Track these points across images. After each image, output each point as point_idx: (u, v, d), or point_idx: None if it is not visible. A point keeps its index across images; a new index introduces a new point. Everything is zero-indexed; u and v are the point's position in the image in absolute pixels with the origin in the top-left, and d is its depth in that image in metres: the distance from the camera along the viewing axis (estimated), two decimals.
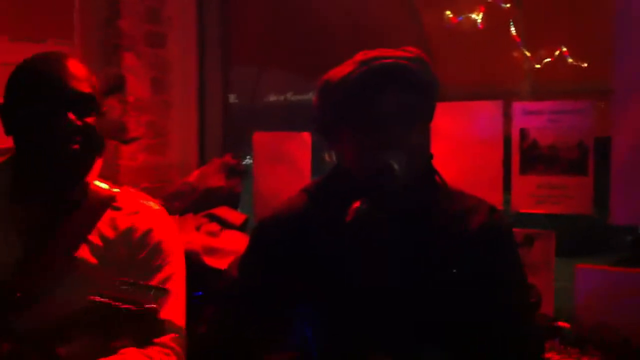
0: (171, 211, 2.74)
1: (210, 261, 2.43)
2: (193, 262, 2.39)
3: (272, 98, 3.62)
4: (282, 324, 1.56)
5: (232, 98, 3.51)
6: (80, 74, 1.63)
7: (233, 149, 3.19)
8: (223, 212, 2.72)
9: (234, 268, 1.67)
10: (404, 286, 1.48)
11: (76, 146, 1.59)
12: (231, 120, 3.40)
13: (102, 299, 1.31)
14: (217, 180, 2.86)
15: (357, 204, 1.44)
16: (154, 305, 1.30)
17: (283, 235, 1.58)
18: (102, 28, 3.05)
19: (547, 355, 2.06)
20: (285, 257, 1.55)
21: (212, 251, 2.46)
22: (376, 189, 1.46)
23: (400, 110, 1.47)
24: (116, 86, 2.99)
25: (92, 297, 1.32)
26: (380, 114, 1.46)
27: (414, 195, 1.51)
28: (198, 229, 2.61)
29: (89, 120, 1.62)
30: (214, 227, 2.62)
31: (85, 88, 1.62)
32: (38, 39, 2.72)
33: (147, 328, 1.31)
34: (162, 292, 1.34)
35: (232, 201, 2.89)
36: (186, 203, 2.80)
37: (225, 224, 2.65)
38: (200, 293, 2.34)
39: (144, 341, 1.37)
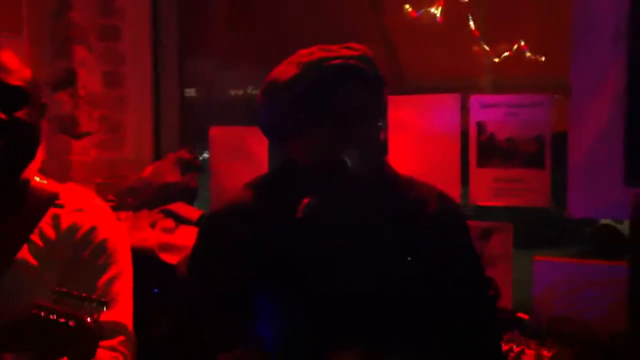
0: (125, 207, 2.70)
1: (167, 257, 2.39)
2: (148, 259, 2.35)
3: (231, 92, 3.57)
4: (236, 320, 1.53)
5: (190, 92, 3.45)
6: (9, 65, 1.54)
7: (190, 144, 3.13)
8: (179, 207, 2.67)
9: (182, 265, 1.63)
10: (358, 280, 1.46)
11: (1, 142, 1.51)
12: (188, 115, 3.35)
13: (37, 311, 1.23)
14: (172, 176, 2.81)
15: (306, 200, 1.42)
16: (92, 320, 1.23)
17: (231, 227, 1.55)
18: (53, 20, 2.97)
19: (507, 346, 2.06)
20: (235, 249, 1.52)
21: (167, 247, 2.42)
22: (328, 184, 1.46)
23: (351, 109, 1.47)
24: (66, 80, 2.91)
25: (33, 309, 1.24)
26: (330, 114, 1.46)
27: (366, 189, 1.50)
28: (153, 225, 2.56)
29: (18, 114, 1.54)
30: (170, 223, 2.57)
31: (14, 80, 1.54)
32: None
33: (85, 344, 1.24)
34: (101, 305, 1.28)
35: (189, 197, 2.85)
36: (140, 199, 2.74)
37: (181, 220, 2.60)
38: (157, 290, 2.29)
39: (80, 357, 1.31)
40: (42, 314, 1.23)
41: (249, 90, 3.56)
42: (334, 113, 1.45)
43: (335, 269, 1.47)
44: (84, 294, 1.26)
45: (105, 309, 1.25)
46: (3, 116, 1.50)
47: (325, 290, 1.46)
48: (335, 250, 1.47)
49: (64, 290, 1.27)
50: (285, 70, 1.49)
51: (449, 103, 2.51)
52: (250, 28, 3.45)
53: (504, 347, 2.02)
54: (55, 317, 1.22)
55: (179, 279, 1.67)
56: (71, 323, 1.21)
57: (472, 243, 1.60)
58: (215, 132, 2.98)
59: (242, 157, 2.86)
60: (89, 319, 1.21)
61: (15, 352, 1.30)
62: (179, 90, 3.34)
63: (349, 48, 1.50)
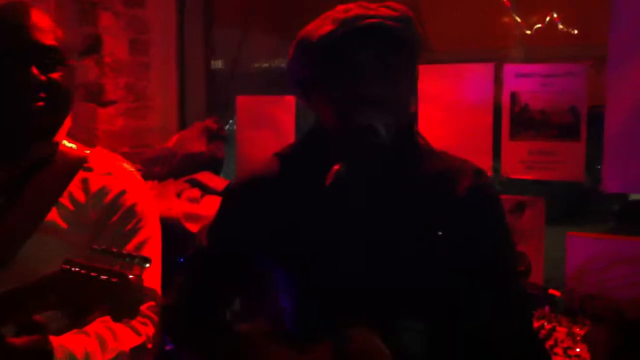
0: (151, 176, 2.69)
1: (192, 227, 2.38)
2: (174, 228, 2.34)
3: (257, 62, 3.53)
4: (254, 291, 1.52)
5: (215, 61, 3.41)
6: (44, 25, 1.54)
7: (216, 113, 3.10)
8: (205, 177, 2.66)
9: (202, 233, 1.60)
10: (386, 252, 1.43)
11: (41, 103, 1.51)
12: (214, 84, 3.32)
13: (77, 268, 1.22)
14: (198, 145, 2.79)
15: (336, 168, 1.39)
16: (135, 276, 1.21)
17: (253, 197, 1.52)
18: None
19: (538, 323, 2.02)
20: (255, 220, 1.49)
21: (193, 217, 2.41)
22: (357, 150, 1.41)
23: (384, 71, 1.42)
24: (92, 47, 2.89)
25: (65, 266, 1.24)
26: (362, 74, 1.41)
27: (396, 156, 1.46)
28: (179, 195, 2.55)
29: (54, 75, 1.53)
30: (195, 192, 2.56)
31: (50, 40, 1.53)
32: None
33: (127, 301, 1.22)
34: (144, 261, 1.25)
35: (215, 166, 2.83)
36: (166, 168, 2.73)
37: (207, 190, 2.59)
38: (182, 260, 2.28)
39: (124, 314, 1.29)
40: (82, 271, 1.21)
41: (275, 61, 3.51)
42: (363, 72, 1.40)
43: (361, 240, 1.44)
44: (124, 251, 1.25)
45: (147, 265, 1.23)
46: (43, 78, 1.49)
47: (349, 261, 1.43)
48: (362, 221, 1.44)
49: (103, 247, 1.26)
50: (320, 24, 1.44)
51: (482, 72, 2.44)
52: None
53: (535, 324, 1.98)
54: (95, 274, 1.20)
55: (198, 247, 1.64)
56: (114, 279, 1.19)
57: (505, 222, 1.55)
58: (241, 101, 2.95)
59: (268, 126, 2.83)
60: (132, 276, 1.20)
61: (49, 309, 1.29)
62: (205, 59, 3.30)
63: (388, 7, 1.44)
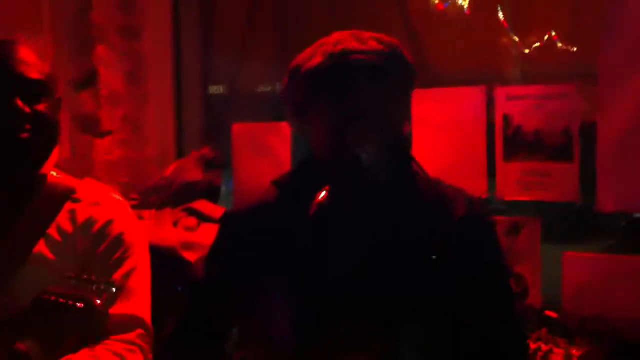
0: (148, 206, 2.70)
1: (189, 256, 2.38)
2: (171, 257, 2.34)
3: (254, 89, 3.55)
4: (253, 316, 1.52)
5: (212, 89, 3.44)
6: (28, 59, 1.56)
7: (213, 141, 3.12)
8: (201, 205, 2.67)
9: (200, 263, 1.61)
10: (376, 281, 1.43)
11: (25, 134, 1.52)
12: (211, 112, 3.34)
13: (47, 296, 1.26)
14: (195, 174, 2.81)
15: (319, 198, 1.40)
16: (101, 302, 1.24)
17: (251, 227, 1.53)
18: (74, 21, 2.98)
19: (535, 345, 2.02)
20: (252, 248, 1.51)
21: (190, 246, 2.42)
22: (342, 178, 1.43)
23: (369, 101, 1.43)
24: (88, 80, 2.92)
25: (38, 294, 1.28)
26: (348, 105, 1.43)
27: (385, 186, 1.47)
28: (176, 224, 2.56)
29: (39, 107, 1.55)
30: (192, 221, 2.57)
31: (34, 74, 1.55)
32: (6, 32, 2.64)
33: (95, 325, 1.26)
34: (110, 285, 1.28)
35: (212, 195, 2.84)
36: (164, 197, 2.74)
37: (203, 218, 2.60)
38: (180, 288, 2.28)
39: (92, 339, 1.31)
40: (52, 298, 1.25)
41: (271, 87, 3.53)
42: (349, 102, 1.42)
43: (350, 267, 1.44)
44: (92, 277, 1.27)
45: (114, 290, 1.26)
46: (27, 110, 1.51)
47: (338, 292, 1.43)
48: (348, 251, 1.44)
49: (73, 275, 1.29)
50: (312, 54, 1.46)
51: (474, 96, 2.46)
52: (272, 24, 3.42)
53: (532, 347, 1.98)
54: (64, 300, 1.24)
55: (195, 277, 1.65)
56: (79, 305, 1.23)
57: (499, 250, 1.55)
58: (237, 128, 2.97)
59: (264, 153, 2.84)
60: (98, 300, 1.23)
61: (28, 338, 1.30)
62: (201, 88, 3.33)
63: (378, 41, 1.46)
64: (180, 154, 3.20)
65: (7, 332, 1.34)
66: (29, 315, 1.28)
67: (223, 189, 2.94)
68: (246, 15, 3.39)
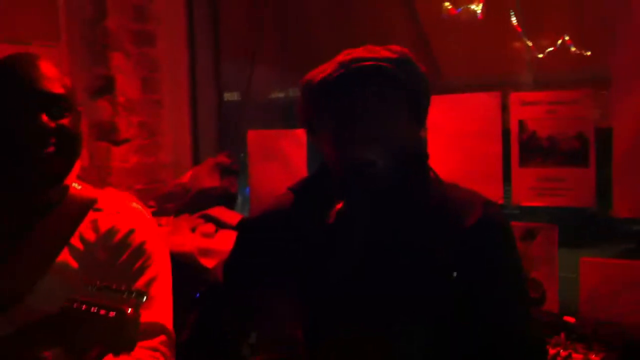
0: (165, 212, 2.72)
1: (206, 262, 2.40)
2: (188, 264, 2.36)
3: (269, 94, 3.57)
4: (269, 322, 1.53)
5: (227, 96, 3.45)
6: (51, 74, 1.58)
7: (228, 147, 3.14)
8: (219, 212, 2.68)
9: (219, 269, 1.63)
10: (394, 284, 1.44)
11: (51, 149, 1.54)
12: (226, 119, 3.35)
13: (77, 305, 1.26)
14: (211, 181, 2.82)
15: (339, 206, 1.41)
16: (133, 311, 1.25)
17: (268, 234, 1.56)
18: (89, 28, 2.99)
19: (553, 350, 2.02)
20: (271, 256, 1.53)
21: (207, 252, 2.43)
22: (356, 185, 1.44)
23: (377, 111, 1.44)
24: (105, 87, 2.94)
25: (67, 303, 1.28)
26: (360, 113, 1.44)
27: (404, 189, 1.48)
28: (193, 230, 2.57)
29: (64, 122, 1.57)
30: (210, 227, 2.58)
31: (57, 89, 1.57)
32: (23, 41, 2.67)
33: (126, 335, 1.26)
34: (141, 295, 1.29)
35: (228, 201, 2.85)
36: (180, 204, 2.76)
37: (221, 224, 2.61)
38: (198, 295, 2.30)
39: (121, 348, 1.32)
40: (83, 307, 1.25)
41: (286, 93, 3.55)
42: (361, 111, 1.44)
43: (366, 275, 1.45)
44: (123, 287, 1.28)
45: (145, 299, 1.27)
46: (52, 125, 1.53)
47: (354, 296, 1.45)
48: (367, 257, 1.46)
49: (104, 284, 1.29)
50: (323, 69, 1.49)
51: (489, 101, 2.46)
52: (286, 30, 3.44)
53: (551, 352, 1.98)
54: (95, 309, 1.24)
55: (213, 283, 1.67)
56: (111, 314, 1.23)
57: (516, 255, 1.55)
58: (252, 135, 2.98)
59: (280, 160, 2.85)
60: (129, 310, 1.23)
61: (54, 346, 1.32)
62: (216, 94, 3.35)
63: (389, 50, 1.48)
64: (196, 160, 3.22)
65: (29, 339, 1.35)
66: (56, 323, 1.29)
67: (239, 195, 2.96)
68: (260, 21, 3.41)
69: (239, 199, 2.97)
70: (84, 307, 1.25)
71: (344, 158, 1.45)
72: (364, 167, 1.42)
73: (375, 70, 1.44)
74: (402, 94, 1.48)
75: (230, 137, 3.28)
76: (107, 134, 2.98)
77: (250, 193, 2.96)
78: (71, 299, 1.28)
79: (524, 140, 2.38)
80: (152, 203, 2.77)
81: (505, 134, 2.43)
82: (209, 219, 2.65)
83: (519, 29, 2.97)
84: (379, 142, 1.43)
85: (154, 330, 1.55)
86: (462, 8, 3.16)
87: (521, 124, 2.39)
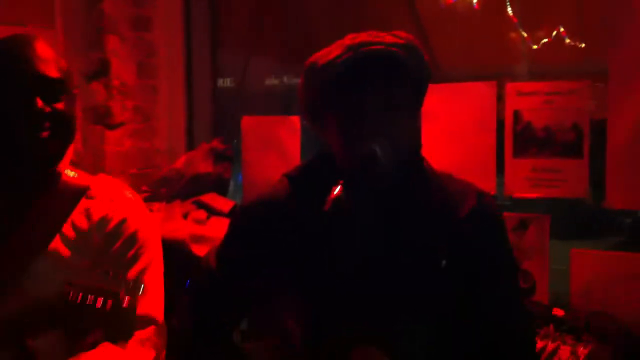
0: (158, 198, 2.71)
1: (198, 249, 2.39)
2: (180, 250, 2.36)
3: (264, 81, 3.56)
4: (263, 309, 1.53)
5: (222, 82, 3.44)
6: (47, 56, 1.56)
7: (223, 133, 3.13)
8: (211, 199, 2.67)
9: (211, 256, 1.63)
10: (389, 275, 1.44)
11: (45, 133, 1.53)
12: (220, 105, 3.35)
13: (74, 293, 1.26)
14: (205, 166, 2.81)
15: (334, 193, 1.40)
16: (130, 300, 1.25)
17: (263, 221, 1.55)
18: (85, 11, 2.97)
19: (542, 342, 2.02)
20: (265, 243, 1.52)
21: (199, 239, 2.42)
22: (359, 176, 1.43)
23: (387, 98, 1.43)
24: (99, 71, 2.92)
25: (64, 289, 1.27)
26: (365, 101, 1.42)
27: (399, 182, 1.47)
28: (185, 216, 2.57)
29: (59, 105, 1.55)
30: (201, 214, 2.58)
31: (53, 72, 1.55)
32: (18, 23, 2.65)
33: (122, 324, 1.26)
34: (138, 286, 1.29)
35: (221, 187, 2.85)
36: (173, 190, 2.75)
37: (212, 211, 2.60)
38: (188, 282, 2.30)
39: (118, 337, 1.32)
40: (79, 295, 1.25)
41: (282, 80, 3.54)
42: (365, 98, 1.42)
43: (362, 265, 1.45)
44: (119, 276, 1.28)
45: (141, 290, 1.27)
46: (47, 109, 1.52)
47: (351, 286, 1.44)
48: (363, 246, 1.45)
49: (102, 271, 1.30)
50: (328, 51, 1.46)
51: (485, 91, 2.46)
52: (282, 17, 3.42)
53: (539, 344, 1.98)
54: (92, 297, 1.24)
55: (205, 270, 1.67)
56: (109, 303, 1.24)
57: (507, 245, 1.56)
58: (247, 121, 2.97)
59: (273, 146, 2.85)
60: (126, 299, 1.25)
61: (52, 331, 1.32)
62: (211, 80, 3.34)
63: (394, 35, 1.46)
64: (191, 145, 3.21)
65: (21, 326, 1.36)
66: (54, 309, 1.29)
67: (232, 181, 2.95)
68: (256, 7, 3.39)
69: (232, 186, 2.96)
70: (80, 294, 1.25)
71: (352, 148, 1.43)
72: (371, 159, 1.40)
73: (385, 54, 1.42)
74: (408, 81, 1.46)
75: (225, 123, 3.27)
76: (102, 117, 2.97)
77: (243, 179, 2.95)
78: (69, 286, 1.27)
79: (518, 130, 2.38)
80: (144, 188, 2.77)
81: (501, 124, 2.43)
82: (200, 205, 2.64)
83: (515, 20, 2.97)
84: (388, 133, 1.41)
85: (145, 320, 1.55)
86: None
87: (516, 114, 2.39)
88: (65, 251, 1.57)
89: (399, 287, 1.44)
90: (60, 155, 1.60)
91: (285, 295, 1.52)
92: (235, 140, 3.04)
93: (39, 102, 1.52)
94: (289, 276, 1.50)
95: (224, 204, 2.65)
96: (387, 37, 1.45)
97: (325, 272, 1.46)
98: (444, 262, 1.44)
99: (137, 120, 3.09)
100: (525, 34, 3.07)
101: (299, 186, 1.55)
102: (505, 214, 2.19)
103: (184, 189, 2.75)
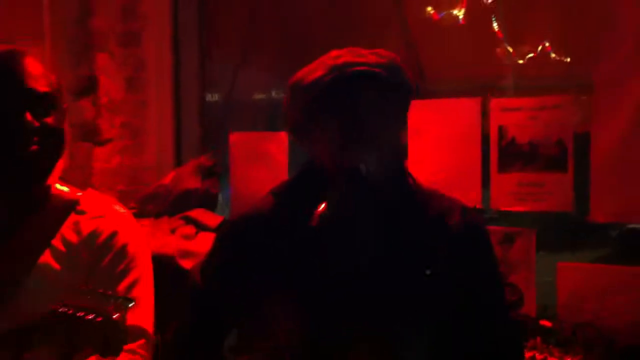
0: (146, 214, 2.72)
1: (186, 264, 2.40)
2: (168, 265, 2.36)
3: (252, 96, 3.57)
4: (252, 322, 1.53)
5: (210, 97, 3.45)
6: (37, 72, 1.57)
7: (211, 149, 3.14)
8: (199, 214, 2.68)
9: (196, 271, 1.64)
10: (374, 290, 1.46)
11: (35, 147, 1.54)
12: (209, 120, 3.35)
13: (64, 309, 1.26)
14: (193, 182, 2.82)
15: (320, 209, 1.42)
16: (119, 315, 1.25)
17: (248, 236, 1.56)
18: (74, 27, 2.99)
19: (530, 354, 2.04)
20: (250, 258, 1.53)
21: (187, 254, 2.43)
22: (345, 189, 1.45)
23: (371, 115, 1.45)
24: (87, 88, 2.93)
25: (54, 306, 1.27)
26: (350, 119, 1.45)
27: (384, 197, 1.49)
28: (173, 231, 2.57)
29: (48, 120, 1.56)
30: (190, 229, 2.58)
31: (43, 87, 1.56)
32: (6, 39, 2.66)
33: (112, 339, 1.27)
34: (127, 301, 1.29)
35: (209, 203, 2.85)
36: (161, 206, 2.76)
37: (201, 227, 2.61)
38: (177, 296, 2.30)
39: (108, 352, 1.32)
40: (69, 311, 1.25)
41: (270, 94, 3.56)
42: (351, 118, 1.44)
43: (350, 279, 1.46)
44: (109, 292, 1.28)
45: (130, 305, 1.27)
46: (36, 123, 1.53)
47: (339, 300, 1.45)
48: (350, 261, 1.47)
49: (90, 287, 1.31)
50: (312, 70, 1.49)
51: (470, 107, 2.49)
52: (271, 32, 3.44)
53: (527, 355, 2.00)
54: (82, 313, 1.24)
55: (192, 284, 1.68)
56: (98, 319, 1.23)
57: (493, 259, 1.58)
58: (234, 137, 2.98)
59: (261, 162, 2.86)
60: (115, 315, 1.24)
61: (37, 348, 1.32)
62: (199, 96, 3.34)
63: (377, 55, 1.49)
64: (179, 161, 3.21)
65: (13, 341, 1.35)
66: (41, 326, 1.29)
67: (220, 197, 2.96)
68: (245, 23, 3.41)
69: (220, 201, 2.97)
70: (71, 310, 1.25)
71: (335, 162, 1.46)
72: (356, 171, 1.43)
73: (369, 74, 1.45)
74: (393, 99, 1.49)
75: (213, 138, 3.28)
76: (90, 134, 2.98)
77: (231, 195, 2.96)
78: (59, 302, 1.27)
79: (502, 146, 2.41)
80: (132, 204, 2.77)
81: (485, 139, 2.46)
82: (189, 220, 2.65)
83: (500, 35, 3.00)
84: (373, 148, 1.44)
85: (134, 333, 1.54)
86: (444, 13, 3.19)
87: (501, 129, 2.41)
88: (55, 265, 1.57)
89: (387, 298, 1.45)
90: (49, 170, 1.61)
91: (273, 307, 1.53)
92: (224, 156, 3.06)
93: (28, 117, 1.53)
94: (275, 288, 1.51)
95: (212, 219, 2.66)
96: (370, 57, 1.48)
97: (313, 283, 1.47)
98: (427, 271, 1.45)
99: (125, 137, 3.10)
100: (510, 49, 3.10)
101: (284, 201, 1.57)
102: (492, 227, 2.21)
103: (172, 205, 2.76)
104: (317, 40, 3.15)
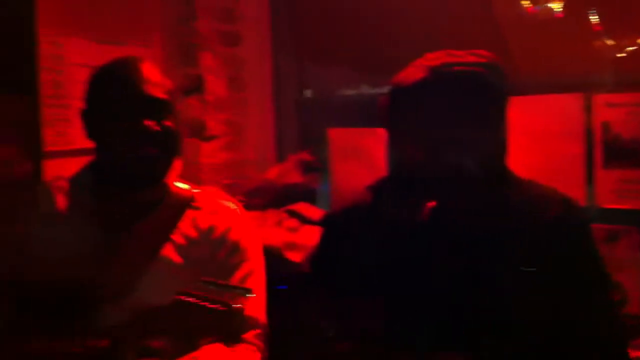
0: (253, 207, 2.82)
1: (291, 256, 2.48)
2: (274, 256, 2.45)
3: (349, 92, 3.62)
4: (352, 313, 1.60)
5: (308, 94, 3.52)
6: (155, 78, 1.67)
7: (310, 144, 3.20)
8: (302, 208, 2.76)
9: (307, 262, 1.71)
10: (479, 284, 1.49)
11: (154, 150, 1.64)
12: (307, 116, 3.41)
13: (189, 298, 1.35)
14: (295, 177, 2.90)
15: (432, 204, 1.46)
16: (240, 305, 1.34)
17: (349, 229, 1.63)
18: (179, 29, 3.08)
19: (635, 353, 2.02)
20: (353, 250, 1.59)
21: (292, 246, 2.51)
22: (445, 189, 1.49)
23: (472, 115, 1.49)
24: (195, 86, 3.05)
25: (179, 296, 1.36)
26: (451, 118, 1.49)
27: (486, 192, 1.52)
28: (279, 223, 2.66)
29: (167, 123, 1.67)
30: (294, 222, 2.67)
31: (160, 93, 1.66)
32: (120, 42, 2.79)
33: (232, 327, 1.35)
34: (246, 291, 1.38)
35: (310, 197, 2.93)
36: (266, 199, 2.85)
37: (304, 220, 2.69)
38: (285, 287, 2.39)
39: (229, 339, 1.42)
40: (194, 300, 1.34)
41: (366, 90, 3.59)
42: (452, 116, 1.49)
43: (451, 273, 1.50)
44: (229, 284, 1.38)
45: (249, 296, 1.36)
46: (155, 128, 1.64)
47: (440, 294, 1.49)
48: (452, 255, 1.50)
49: (212, 279, 1.39)
50: (412, 73, 1.53)
51: (571, 103, 2.46)
52: (366, 29, 3.48)
53: (632, 354, 1.98)
54: (206, 302, 1.33)
55: (304, 276, 1.75)
56: (222, 308, 1.32)
57: (596, 250, 1.57)
58: (333, 134, 3.03)
59: (360, 158, 2.89)
60: (237, 304, 1.32)
61: (162, 336, 1.42)
62: (297, 93, 3.41)
63: (475, 55, 1.52)
64: (279, 156, 3.30)
65: (136, 330, 1.45)
66: (169, 314, 1.38)
67: (319, 191, 3.03)
68: (340, 21, 3.46)
69: (320, 197, 3.03)
70: (195, 300, 1.34)
71: (435, 161, 1.50)
72: (453, 170, 1.47)
73: (472, 75, 1.49)
74: (491, 98, 1.52)
75: (311, 134, 3.34)
76: (197, 131, 3.08)
77: (331, 191, 3.02)
78: (182, 292, 1.36)
79: (608, 141, 2.38)
80: (239, 197, 2.87)
81: (588, 135, 2.43)
82: (292, 214, 2.73)
83: (599, 28, 2.95)
84: (475, 146, 1.49)
85: (249, 323, 1.63)
86: (541, 6, 3.14)
87: (604, 125, 2.38)
88: (176, 258, 1.67)
89: (487, 296, 1.48)
90: (167, 169, 1.71)
91: (373, 299, 1.59)
92: (323, 152, 3.11)
93: (147, 122, 1.63)
94: (376, 281, 1.56)
95: (315, 213, 2.73)
96: (469, 57, 1.51)
97: (412, 277, 1.52)
98: (529, 269, 1.47)
99: (229, 133, 3.19)
100: (610, 43, 3.04)
101: (381, 196, 1.63)
102: (596, 225, 2.19)
103: (276, 199, 2.84)
104: (408, 38, 3.16)
